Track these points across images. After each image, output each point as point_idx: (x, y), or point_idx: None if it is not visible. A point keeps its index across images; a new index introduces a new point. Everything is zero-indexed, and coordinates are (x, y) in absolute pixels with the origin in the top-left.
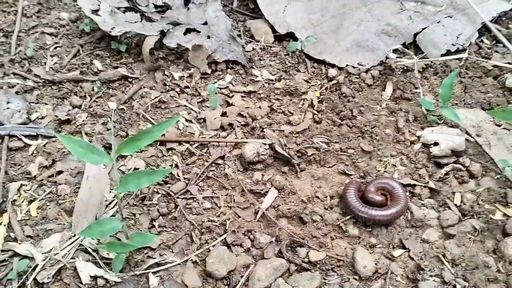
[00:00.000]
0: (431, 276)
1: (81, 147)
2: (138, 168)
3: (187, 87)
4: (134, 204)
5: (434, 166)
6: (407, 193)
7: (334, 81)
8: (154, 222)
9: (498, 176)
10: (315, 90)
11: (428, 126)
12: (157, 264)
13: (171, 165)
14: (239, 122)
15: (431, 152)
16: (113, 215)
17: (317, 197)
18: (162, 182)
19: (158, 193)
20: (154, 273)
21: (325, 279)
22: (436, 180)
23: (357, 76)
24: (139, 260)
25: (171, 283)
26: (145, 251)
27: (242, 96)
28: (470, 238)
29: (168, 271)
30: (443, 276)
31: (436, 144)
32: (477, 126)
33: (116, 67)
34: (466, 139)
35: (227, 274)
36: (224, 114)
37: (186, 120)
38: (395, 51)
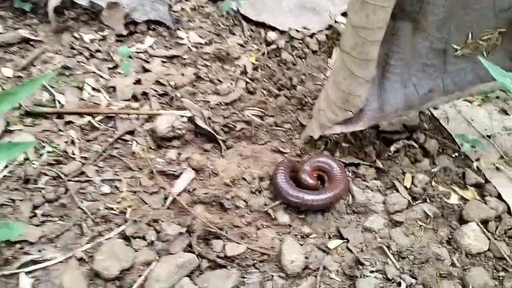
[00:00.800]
0: (371, 272)
1: None
2: None
3: (98, 51)
4: (15, 188)
5: (383, 143)
6: (349, 174)
7: (273, 46)
8: (37, 210)
9: (456, 154)
10: (251, 56)
11: None
12: (33, 262)
13: (66, 142)
14: (156, 91)
15: (380, 127)
16: None
17: (244, 179)
18: (54, 162)
19: (46, 175)
20: (28, 272)
21: (243, 277)
22: (384, 159)
23: (301, 41)
24: (10, 257)
25: (47, 285)
26: (20, 246)
27: (163, 62)
28: (420, 226)
29: (47, 270)
30: (386, 272)
31: None
32: None
33: (17, 29)
34: (421, 112)
35: (119, 273)
36: (138, 82)
37: (93, 88)
38: (344, 14)
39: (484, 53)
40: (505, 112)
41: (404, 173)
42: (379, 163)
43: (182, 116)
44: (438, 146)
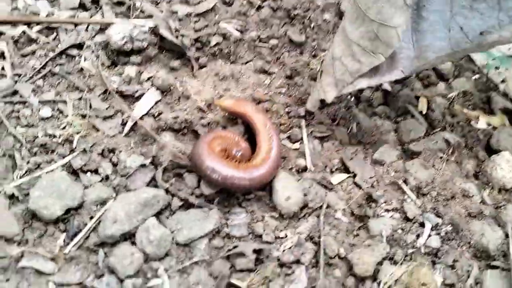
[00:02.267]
0: (387, 210)
1: None
2: None
3: None
4: None
5: None
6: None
7: None
8: None
9: (477, 76)
10: None
11: None
12: None
13: None
14: None
15: None
16: None
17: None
18: None
19: None
20: None
21: (226, 219)
22: (392, 81)
23: None
24: None
25: None
26: None
27: None
28: (441, 157)
29: None
30: (405, 211)
31: None
32: None
33: None
34: None
35: (64, 213)
36: None
37: None
38: None
39: None
40: None
41: (417, 97)
42: (386, 85)
43: (142, 26)
44: (454, 68)
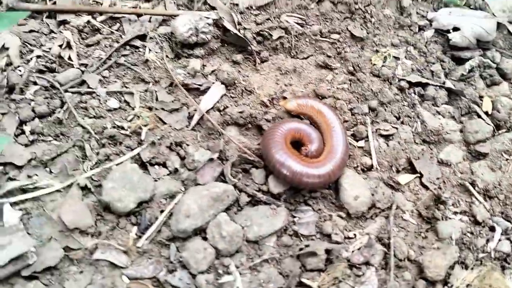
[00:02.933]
0: (455, 213)
1: None
2: (7, 48)
3: None
4: None
5: (452, 61)
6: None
7: None
8: (25, 126)
9: None
10: None
11: (443, 7)
12: (22, 190)
13: (60, 45)
14: None
15: (450, 40)
16: None
17: (285, 98)
18: (45, 69)
19: (35, 83)
20: (15, 203)
21: (293, 217)
22: (455, 79)
23: None
24: None
25: (41, 220)
26: (2, 170)
27: None
28: (507, 159)
29: (40, 201)
30: (474, 214)
31: (456, 29)
32: (508, 11)
33: None
34: (498, 24)
35: (136, 206)
36: None
37: None
38: None
39: None
40: None
41: (481, 97)
42: (449, 84)
43: (207, 18)
44: None
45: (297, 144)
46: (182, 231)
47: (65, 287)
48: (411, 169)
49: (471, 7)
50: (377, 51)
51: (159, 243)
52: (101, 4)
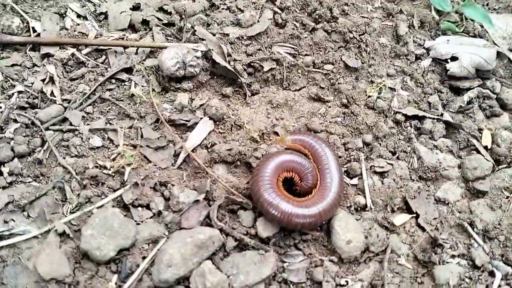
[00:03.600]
0: (453, 256)
1: None
2: None
3: None
4: None
5: (450, 91)
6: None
7: None
8: (3, 167)
9: None
10: None
11: (441, 35)
12: None
13: (43, 80)
14: (159, 19)
15: (448, 70)
16: None
17: (276, 133)
18: (27, 105)
19: (16, 121)
20: None
21: (283, 262)
22: (454, 111)
23: None
24: None
25: (16, 269)
26: None
27: None
28: (508, 197)
29: (16, 248)
30: (473, 257)
31: (454, 58)
32: (509, 38)
33: None
34: (498, 53)
35: (116, 254)
36: (136, 7)
37: (78, 15)
38: None
39: None
40: None
41: (480, 130)
42: (447, 116)
43: (196, 50)
44: None
45: (289, 180)
46: (163, 281)
47: None
48: (407, 208)
49: (470, 34)
50: (372, 81)
51: None
52: (87, 36)
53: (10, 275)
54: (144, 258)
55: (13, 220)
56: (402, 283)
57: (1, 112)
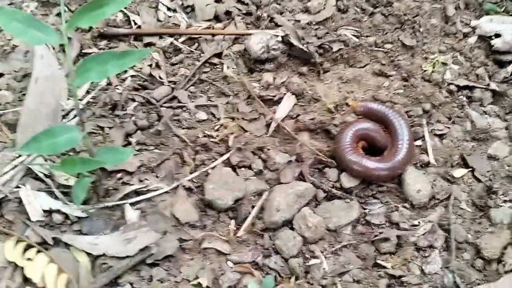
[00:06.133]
0: (505, 201)
1: (17, 21)
2: None
3: None
4: (102, 115)
5: (495, 64)
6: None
7: None
8: (130, 137)
9: None
10: None
11: (484, 15)
12: (136, 193)
13: (150, 65)
14: (239, 10)
15: (492, 46)
16: None
17: (348, 104)
18: (139, 87)
19: (134, 100)
20: (132, 204)
21: (365, 208)
22: (499, 81)
23: None
24: (110, 188)
25: (156, 217)
26: (119, 176)
27: None
28: None
29: (152, 201)
30: None
31: (497, 36)
32: None
33: None
34: None
35: (233, 203)
36: (219, 0)
37: (168, 8)
38: None
39: None
40: None
41: None
42: (494, 86)
43: (276, 36)
44: None
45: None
46: (274, 223)
47: (181, 272)
48: (464, 164)
49: (509, 13)
50: (426, 58)
51: (254, 233)
52: (179, 26)
53: (151, 221)
54: (253, 207)
55: (146, 179)
56: (464, 223)
57: (120, 93)
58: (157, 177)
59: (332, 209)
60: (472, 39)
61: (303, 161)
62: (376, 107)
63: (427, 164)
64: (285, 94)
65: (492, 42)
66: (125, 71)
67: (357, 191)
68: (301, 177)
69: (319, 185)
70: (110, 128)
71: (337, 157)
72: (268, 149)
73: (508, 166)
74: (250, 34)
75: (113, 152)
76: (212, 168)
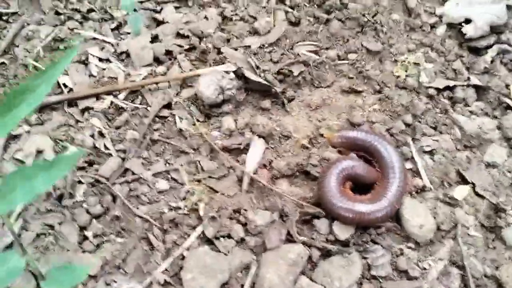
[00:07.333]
0: None
1: None
2: (41, 151)
3: (91, 10)
4: (48, 210)
5: (471, 53)
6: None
7: None
8: (86, 230)
9: None
10: None
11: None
12: None
13: (91, 135)
14: (180, 46)
15: (465, 34)
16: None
17: (322, 135)
18: (84, 164)
19: (81, 182)
20: None
21: (365, 258)
22: (479, 72)
23: None
24: None
25: None
26: (81, 285)
27: (176, 7)
28: None
29: None
30: None
31: (468, 21)
32: None
33: None
34: (508, 6)
35: None
36: (155, 39)
37: (100, 59)
38: None
39: None
40: None
41: (507, 86)
42: (474, 80)
43: (228, 73)
44: None
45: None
46: None
47: None
48: (462, 180)
49: None
50: (396, 60)
51: None
52: (116, 79)
53: None
54: (242, 286)
55: (114, 281)
56: (478, 252)
57: (65, 178)
58: (125, 273)
59: (331, 269)
60: (441, 29)
61: (288, 216)
62: (355, 135)
63: (423, 189)
64: (251, 138)
65: (464, 30)
66: (64, 148)
67: (354, 240)
68: (289, 238)
69: (310, 243)
70: (60, 224)
71: (324, 205)
72: (246, 210)
73: (510, 172)
74: (198, 75)
75: (67, 271)
76: (187, 249)
